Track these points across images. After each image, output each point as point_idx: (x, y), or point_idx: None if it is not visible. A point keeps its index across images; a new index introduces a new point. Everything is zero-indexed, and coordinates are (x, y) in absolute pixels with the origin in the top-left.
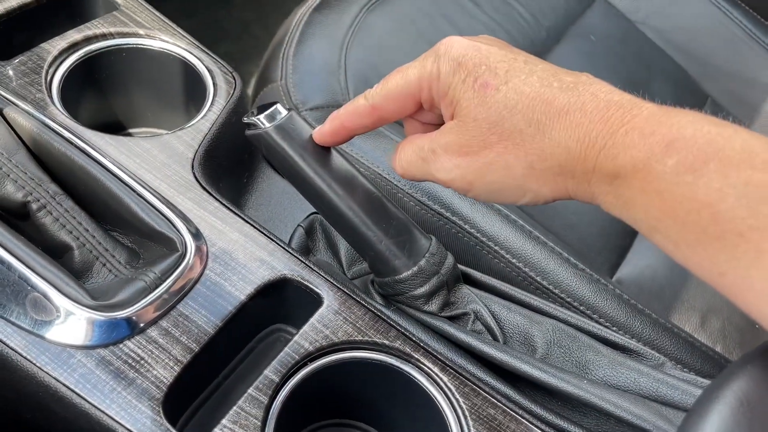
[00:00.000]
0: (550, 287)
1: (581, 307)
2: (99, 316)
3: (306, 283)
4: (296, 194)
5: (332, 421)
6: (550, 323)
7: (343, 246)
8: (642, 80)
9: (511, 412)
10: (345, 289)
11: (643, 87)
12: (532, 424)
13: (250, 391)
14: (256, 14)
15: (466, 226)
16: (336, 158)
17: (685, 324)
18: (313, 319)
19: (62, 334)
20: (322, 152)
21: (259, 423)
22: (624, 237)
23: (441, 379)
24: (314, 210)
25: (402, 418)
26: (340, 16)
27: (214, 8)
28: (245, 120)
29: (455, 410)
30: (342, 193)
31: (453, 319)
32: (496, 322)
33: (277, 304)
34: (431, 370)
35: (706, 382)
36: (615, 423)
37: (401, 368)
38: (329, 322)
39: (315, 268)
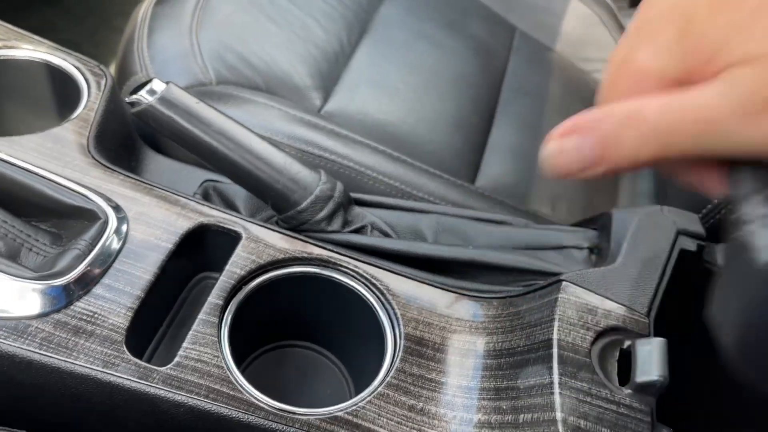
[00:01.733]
0: (425, 196)
1: (441, 203)
2: (45, 284)
3: (222, 224)
4: (183, 169)
5: (279, 343)
6: (433, 217)
7: (240, 202)
8: (460, 23)
9: (420, 283)
10: (259, 223)
11: (461, 27)
12: (437, 287)
13: (200, 316)
14: (82, 35)
15: (345, 161)
16: (220, 117)
17: (539, 208)
18: (237, 250)
19: (14, 308)
20: (207, 114)
21: (216, 339)
22: (474, 153)
23: (357, 272)
24: (205, 179)
25: (339, 326)
26: (182, 5)
27: (42, 34)
28: (128, 100)
29: (374, 293)
30: (234, 146)
31: (354, 233)
32: (390, 227)
33: (199, 252)
34: (348, 268)
35: (567, 227)
36: (500, 274)
37: (325, 274)
38: (252, 250)
39: (227, 211)
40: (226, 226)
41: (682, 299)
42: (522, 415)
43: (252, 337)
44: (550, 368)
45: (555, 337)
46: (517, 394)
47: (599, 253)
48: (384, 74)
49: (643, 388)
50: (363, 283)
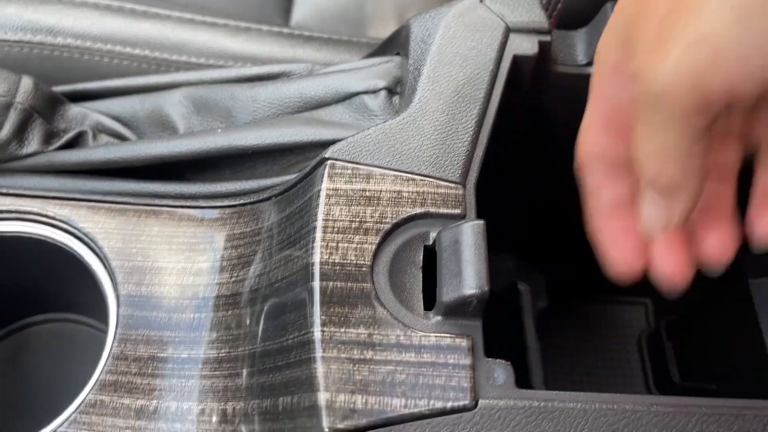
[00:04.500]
0: (183, 58)
1: (220, 62)
2: None
3: None
4: None
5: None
6: (179, 93)
7: None
8: None
9: (142, 208)
10: None
11: None
12: (175, 207)
13: None
14: None
15: (60, 39)
16: None
17: (383, 32)
18: None
19: None
20: None
21: None
22: None
23: (54, 218)
24: None
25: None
26: None
27: None
28: None
29: (84, 242)
30: None
31: (67, 146)
32: (126, 122)
33: None
34: (42, 216)
35: (361, 61)
36: (280, 157)
37: (7, 231)
38: None
39: None
40: None
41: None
42: (282, 399)
43: None
44: (311, 316)
45: (316, 260)
46: (277, 361)
47: (403, 92)
48: None
49: (455, 310)
50: (65, 230)
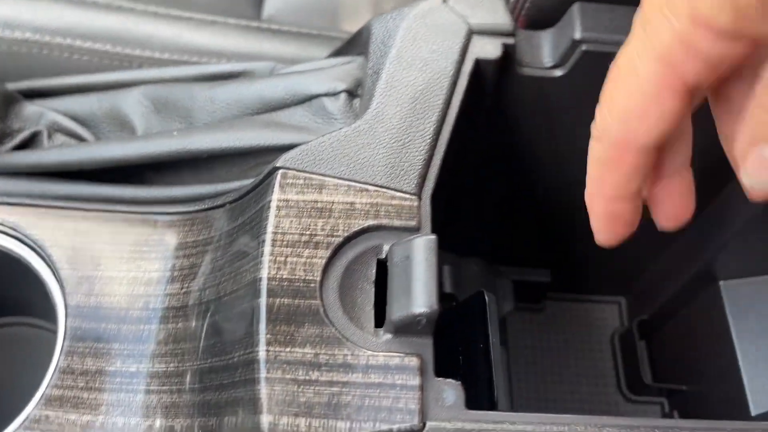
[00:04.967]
0: (146, 53)
1: (184, 57)
2: None
3: None
4: None
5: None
6: (138, 92)
7: None
8: None
9: (99, 213)
10: None
11: None
12: (127, 212)
13: None
14: None
15: (18, 34)
16: None
17: (357, 24)
18: None
19: None
20: None
21: None
22: None
23: (2, 225)
24: None
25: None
26: None
27: None
28: None
29: (33, 249)
30: None
31: (21, 147)
32: (83, 121)
33: None
34: None
35: (323, 61)
36: (241, 161)
37: None
38: None
39: None
40: None
41: (487, 132)
42: (227, 418)
43: None
44: (256, 334)
45: (263, 275)
46: (223, 379)
47: (363, 95)
48: None
49: (405, 328)
50: (11, 237)
